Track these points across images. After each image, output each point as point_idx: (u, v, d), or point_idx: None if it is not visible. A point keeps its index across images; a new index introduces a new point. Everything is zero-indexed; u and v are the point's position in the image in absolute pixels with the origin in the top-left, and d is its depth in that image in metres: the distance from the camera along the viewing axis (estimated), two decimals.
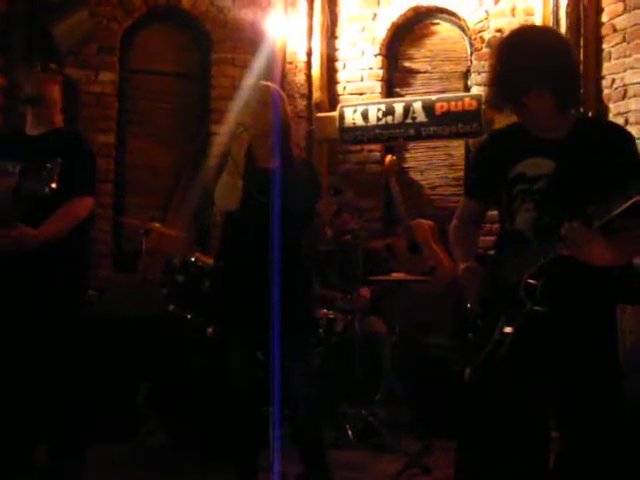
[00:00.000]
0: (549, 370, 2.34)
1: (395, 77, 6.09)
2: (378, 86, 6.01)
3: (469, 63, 5.78)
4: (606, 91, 4.98)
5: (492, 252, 2.58)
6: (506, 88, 2.40)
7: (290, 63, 6.08)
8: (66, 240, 3.40)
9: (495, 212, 2.61)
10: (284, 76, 6.04)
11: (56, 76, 3.56)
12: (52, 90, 3.53)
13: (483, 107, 5.31)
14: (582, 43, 5.10)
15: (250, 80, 5.82)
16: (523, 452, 2.40)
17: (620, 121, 4.79)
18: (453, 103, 5.51)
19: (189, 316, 4.36)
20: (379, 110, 5.72)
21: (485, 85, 4.71)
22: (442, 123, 5.54)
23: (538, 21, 5.30)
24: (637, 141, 2.43)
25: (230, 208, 3.27)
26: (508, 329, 2.34)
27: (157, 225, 4.88)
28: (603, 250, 2.16)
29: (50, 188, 3.24)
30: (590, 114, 4.95)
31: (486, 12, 5.61)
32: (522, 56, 2.35)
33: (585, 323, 2.32)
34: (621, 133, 2.43)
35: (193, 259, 4.49)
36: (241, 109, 3.93)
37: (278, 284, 2.95)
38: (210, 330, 4.31)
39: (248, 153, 3.26)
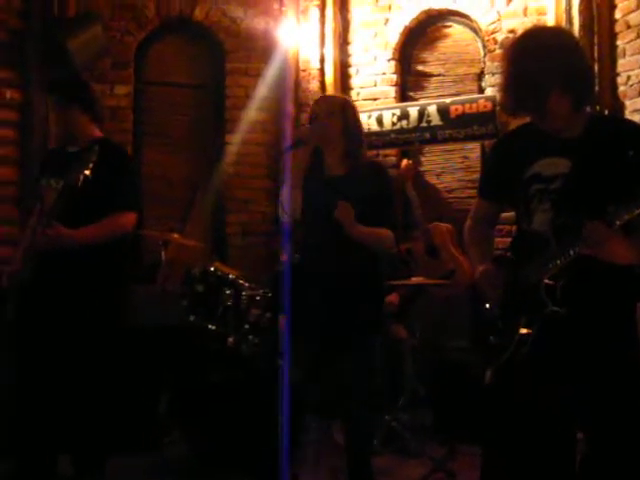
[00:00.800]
0: (570, 371, 2.33)
1: (409, 81, 6.08)
2: (392, 91, 6.00)
3: (482, 65, 5.76)
4: (621, 88, 4.95)
5: (509, 253, 2.57)
6: (523, 92, 2.38)
7: (303, 71, 6.09)
8: (107, 250, 3.43)
9: (512, 213, 2.60)
10: (298, 84, 6.06)
11: (69, 103, 3.58)
12: (72, 118, 3.57)
13: (498, 109, 5.29)
14: (596, 41, 5.07)
15: (264, 89, 5.87)
16: (548, 454, 2.38)
17: (636, 118, 4.74)
18: (468, 105, 5.49)
19: (211, 326, 4.37)
20: (394, 115, 5.71)
21: (499, 85, 4.70)
22: (457, 126, 5.52)
23: (550, 20, 5.28)
24: None
25: (294, 218, 3.33)
26: (528, 330, 2.33)
27: (175, 236, 4.90)
28: (624, 249, 2.16)
29: (84, 176, 3.25)
30: (606, 112, 4.93)
31: (498, 13, 5.60)
32: (538, 58, 2.34)
33: (605, 323, 2.31)
34: (636, 129, 2.41)
35: (212, 269, 4.50)
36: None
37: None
38: (231, 340, 4.32)
39: (316, 162, 3.34)
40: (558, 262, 2.26)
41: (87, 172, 3.24)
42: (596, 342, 2.29)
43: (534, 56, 2.35)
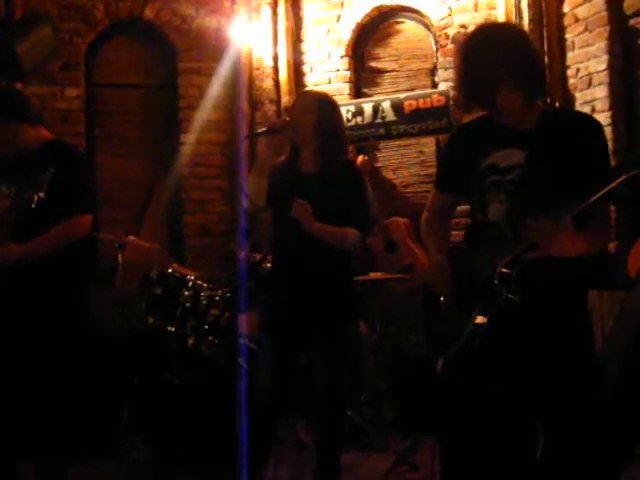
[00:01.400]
0: (523, 362, 2.36)
1: (362, 78, 6.10)
2: (346, 87, 6.01)
3: (435, 60, 5.80)
4: (571, 80, 5.02)
5: (463, 244, 2.59)
6: (475, 89, 2.41)
7: (257, 69, 6.07)
8: (62, 257, 3.38)
9: (466, 207, 2.62)
10: (251, 83, 6.04)
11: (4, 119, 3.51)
12: (11, 133, 3.46)
13: (452, 103, 5.33)
14: (545, 34, 5.14)
15: (217, 88, 5.84)
16: (502, 444, 2.40)
17: (587, 109, 4.82)
18: (421, 100, 5.52)
19: (170, 328, 4.33)
20: (348, 111, 5.71)
21: (452, 81, 4.74)
22: (411, 121, 5.54)
23: (500, 14, 5.34)
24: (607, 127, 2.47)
25: (258, 207, 3.38)
26: (482, 319, 2.35)
27: (132, 238, 4.85)
28: (572, 243, 2.21)
29: (38, 197, 3.18)
30: (557, 104, 4.99)
31: (449, 8, 5.64)
32: (487, 55, 2.36)
33: (558, 312, 2.34)
34: (588, 121, 2.46)
35: (170, 270, 4.47)
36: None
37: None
38: (191, 341, 4.29)
39: (291, 157, 3.36)
40: (512, 251, 2.29)
41: (41, 194, 3.17)
42: (548, 333, 2.32)
43: (483, 53, 2.37)
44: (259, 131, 3.49)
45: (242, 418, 2.88)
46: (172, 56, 6.07)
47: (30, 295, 3.35)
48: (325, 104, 3.44)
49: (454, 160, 2.64)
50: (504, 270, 2.31)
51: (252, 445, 3.21)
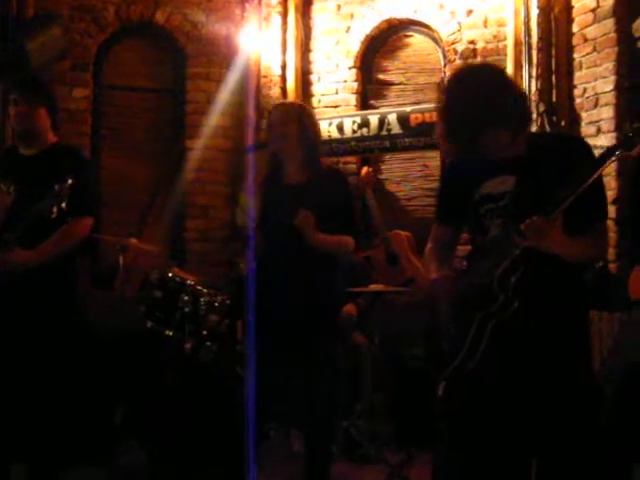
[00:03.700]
0: (519, 386, 2.35)
1: (370, 89, 6.11)
2: (353, 99, 6.03)
3: (443, 74, 5.81)
4: (578, 100, 5.03)
5: (465, 263, 2.61)
6: (458, 132, 2.43)
7: (265, 77, 6.08)
8: (60, 261, 3.39)
9: None
10: (259, 90, 6.05)
11: (38, 103, 3.53)
12: (38, 118, 3.51)
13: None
14: (554, 53, 5.15)
15: (225, 94, 5.85)
16: (496, 468, 2.40)
17: (592, 130, 4.84)
18: (428, 114, 5.52)
19: (169, 332, 4.33)
20: (354, 122, 5.73)
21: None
22: (417, 134, 5.55)
23: (510, 32, 5.35)
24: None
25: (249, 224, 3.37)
26: (482, 335, 2.35)
27: (134, 241, 4.85)
28: (562, 239, 2.25)
29: (59, 208, 3.18)
30: (563, 123, 5.00)
31: (459, 24, 5.65)
32: (470, 100, 2.37)
33: (557, 319, 2.35)
34: (576, 143, 2.51)
35: (171, 274, 4.47)
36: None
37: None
38: (188, 346, 4.29)
39: (274, 170, 3.33)
40: (509, 258, 2.31)
41: (63, 205, 3.18)
42: (545, 358, 2.33)
43: (467, 99, 2.38)
44: (254, 147, 3.49)
45: (246, 425, 2.87)
46: (181, 61, 6.09)
47: (25, 298, 3.35)
48: (305, 114, 3.45)
49: (449, 193, 2.69)
50: (503, 276, 2.32)
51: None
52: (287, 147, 3.34)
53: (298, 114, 3.41)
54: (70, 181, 3.17)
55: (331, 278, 3.40)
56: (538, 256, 2.26)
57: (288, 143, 3.33)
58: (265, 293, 3.31)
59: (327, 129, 5.79)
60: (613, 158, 2.15)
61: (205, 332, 4.26)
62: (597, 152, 2.38)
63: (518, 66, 5.24)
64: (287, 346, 3.31)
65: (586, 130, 4.90)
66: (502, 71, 2.64)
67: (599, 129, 4.82)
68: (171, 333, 4.33)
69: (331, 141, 5.78)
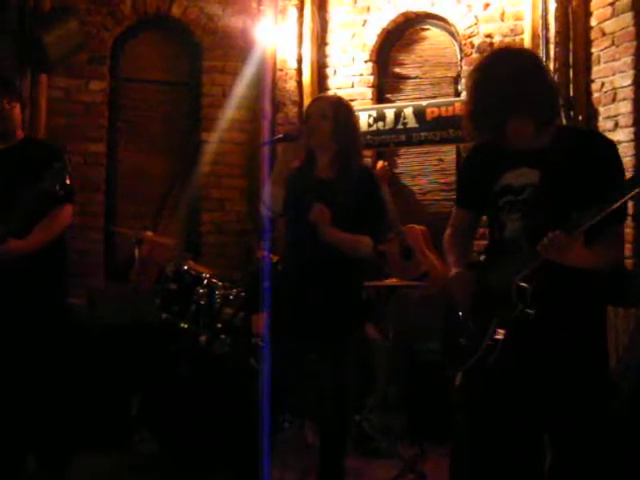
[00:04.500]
0: (537, 379, 2.35)
1: (386, 83, 6.09)
2: (369, 92, 6.02)
3: (459, 68, 5.79)
4: (596, 94, 4.99)
5: (483, 257, 2.59)
6: (483, 120, 2.40)
7: (280, 70, 6.08)
8: (46, 248, 3.44)
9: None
10: (275, 83, 6.05)
11: (13, 99, 3.58)
12: (16, 114, 3.58)
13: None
14: (571, 47, 5.11)
15: (241, 88, 5.86)
16: (515, 459, 2.40)
17: (610, 124, 4.81)
18: (444, 108, 5.51)
19: (184, 325, 4.35)
20: (370, 116, 5.72)
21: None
22: (433, 128, 5.53)
23: (527, 26, 5.32)
24: (625, 144, 2.45)
25: (275, 212, 3.37)
26: (499, 334, 2.35)
27: (149, 234, 4.88)
28: (582, 256, 2.22)
29: (60, 186, 3.26)
30: (580, 118, 4.97)
31: (475, 17, 5.62)
32: (498, 86, 2.34)
33: (574, 328, 2.33)
34: (603, 141, 2.44)
35: (186, 267, 4.49)
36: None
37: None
38: (203, 339, 4.30)
39: (307, 162, 3.34)
40: (530, 265, 2.29)
41: (68, 182, 3.25)
42: (563, 350, 2.32)
43: (494, 84, 2.36)
44: (276, 137, 3.48)
45: (262, 417, 2.88)
46: (197, 54, 6.10)
47: (20, 286, 3.39)
48: (341, 109, 3.41)
49: (470, 179, 2.66)
50: (521, 284, 2.30)
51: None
52: (320, 141, 3.33)
53: (335, 108, 3.37)
54: (56, 165, 3.25)
55: (353, 270, 3.39)
56: (556, 265, 2.24)
57: (321, 137, 3.32)
58: (286, 284, 3.32)
59: None
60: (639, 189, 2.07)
61: (220, 325, 4.27)
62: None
63: None
64: (303, 339, 3.31)
65: (604, 125, 4.87)
66: (538, 58, 2.61)
67: (617, 124, 4.79)
68: (186, 326, 4.35)
69: None
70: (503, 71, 2.36)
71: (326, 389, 3.32)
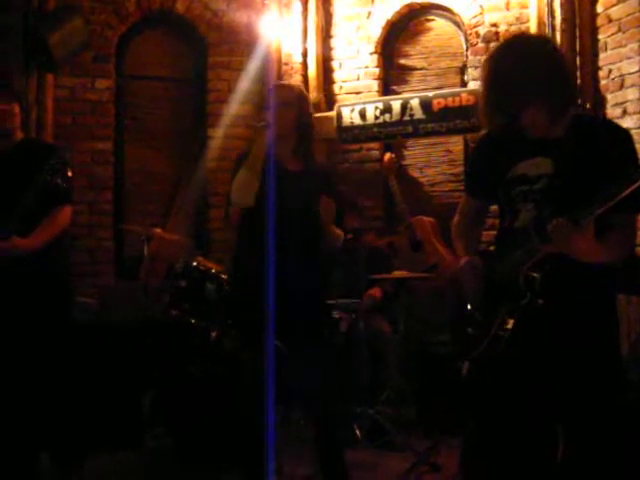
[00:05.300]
0: (546, 368, 2.34)
1: (391, 75, 6.07)
2: (375, 84, 6.00)
3: (465, 58, 5.77)
4: (603, 82, 4.96)
5: (492, 247, 2.58)
6: (501, 104, 2.38)
7: (286, 64, 6.07)
8: (45, 249, 3.45)
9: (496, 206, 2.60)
10: (280, 78, 6.04)
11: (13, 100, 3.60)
12: (16, 114, 3.59)
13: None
14: (578, 34, 5.08)
15: (246, 83, 5.84)
16: (526, 449, 2.39)
17: (618, 111, 4.78)
18: (450, 99, 5.49)
19: (193, 321, 4.36)
20: (376, 108, 5.71)
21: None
22: (440, 119, 5.52)
23: (533, 14, 5.28)
24: (633, 131, 2.43)
25: (245, 205, 3.23)
26: (508, 323, 2.34)
27: (158, 231, 4.87)
28: (590, 247, 2.18)
29: (62, 178, 3.30)
30: (588, 105, 4.94)
31: (480, 7, 5.60)
32: (516, 74, 2.33)
33: (584, 318, 2.31)
34: (617, 131, 2.41)
35: (195, 264, 4.49)
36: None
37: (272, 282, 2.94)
38: (214, 334, 4.31)
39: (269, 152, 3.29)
40: (538, 254, 2.27)
41: (69, 174, 3.27)
42: (572, 339, 2.30)
43: (512, 71, 2.34)
44: (259, 124, 3.37)
45: (267, 412, 2.86)
46: (202, 50, 6.09)
47: (18, 289, 3.40)
48: (304, 99, 3.36)
49: (482, 166, 2.62)
50: (530, 273, 2.29)
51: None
52: (282, 130, 3.24)
53: (298, 98, 3.32)
54: (52, 161, 3.28)
55: (318, 268, 3.34)
56: (565, 255, 2.22)
57: (284, 126, 3.23)
58: (261, 278, 3.24)
59: (349, 115, 5.78)
60: None
61: (230, 321, 4.27)
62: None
63: None
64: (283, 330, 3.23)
65: (612, 112, 4.84)
66: (556, 45, 2.59)
67: (625, 111, 4.76)
68: (196, 322, 4.35)
69: (354, 128, 5.77)
70: (517, 59, 2.35)
71: (308, 388, 3.27)
